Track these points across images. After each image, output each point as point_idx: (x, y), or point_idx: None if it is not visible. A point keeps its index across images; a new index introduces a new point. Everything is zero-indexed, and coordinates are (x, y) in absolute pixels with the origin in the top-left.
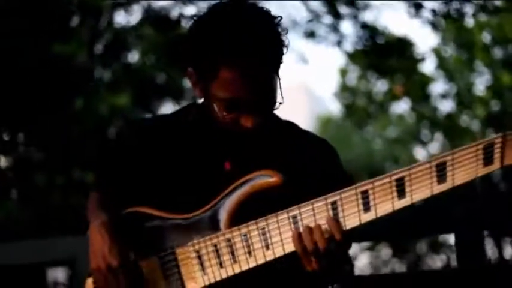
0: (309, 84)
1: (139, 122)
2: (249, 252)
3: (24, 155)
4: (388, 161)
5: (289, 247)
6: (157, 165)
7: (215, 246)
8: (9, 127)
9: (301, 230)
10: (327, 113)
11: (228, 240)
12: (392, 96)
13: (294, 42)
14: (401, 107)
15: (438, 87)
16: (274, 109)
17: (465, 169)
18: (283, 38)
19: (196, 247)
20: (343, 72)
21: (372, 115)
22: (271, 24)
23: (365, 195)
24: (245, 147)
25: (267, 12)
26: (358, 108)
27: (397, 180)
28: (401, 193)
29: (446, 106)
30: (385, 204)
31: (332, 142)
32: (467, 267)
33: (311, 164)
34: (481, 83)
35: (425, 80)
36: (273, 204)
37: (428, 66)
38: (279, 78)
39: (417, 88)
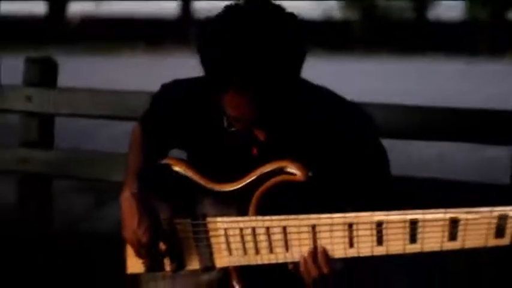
0: None
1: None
2: (271, 249)
3: None
4: None
5: None
6: (189, 134)
7: (241, 231)
8: None
9: (318, 243)
10: None
11: (253, 229)
12: None
13: None
14: None
15: None
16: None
17: (476, 234)
18: (301, 49)
19: (225, 225)
20: None
21: None
22: (289, 45)
23: (379, 228)
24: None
25: (288, 26)
26: None
27: (411, 221)
28: (413, 238)
29: None
30: (396, 244)
31: None
32: None
33: (341, 148)
34: None
35: None
36: (299, 194)
37: None
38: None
39: None
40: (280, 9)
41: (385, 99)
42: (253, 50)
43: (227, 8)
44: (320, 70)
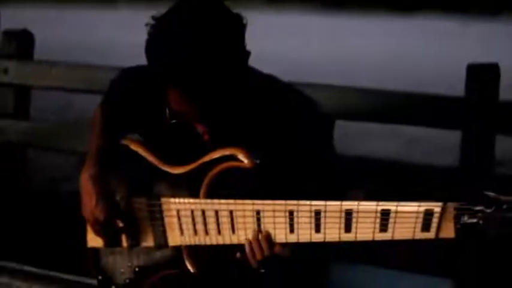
0: None
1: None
2: (219, 231)
3: None
4: None
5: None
6: (142, 119)
7: (192, 212)
8: None
9: (262, 227)
10: None
11: (203, 211)
12: None
13: None
14: None
15: None
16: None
17: (405, 226)
18: (241, 50)
19: (178, 206)
20: None
21: None
22: (228, 48)
23: (318, 216)
24: (221, 120)
25: (227, 28)
26: None
27: (346, 211)
28: (348, 227)
29: None
30: (332, 232)
31: None
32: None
33: (289, 135)
34: None
35: None
36: (247, 180)
37: None
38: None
39: None
40: (222, 9)
41: (376, 60)
42: (192, 52)
43: (175, 5)
44: (315, 26)
